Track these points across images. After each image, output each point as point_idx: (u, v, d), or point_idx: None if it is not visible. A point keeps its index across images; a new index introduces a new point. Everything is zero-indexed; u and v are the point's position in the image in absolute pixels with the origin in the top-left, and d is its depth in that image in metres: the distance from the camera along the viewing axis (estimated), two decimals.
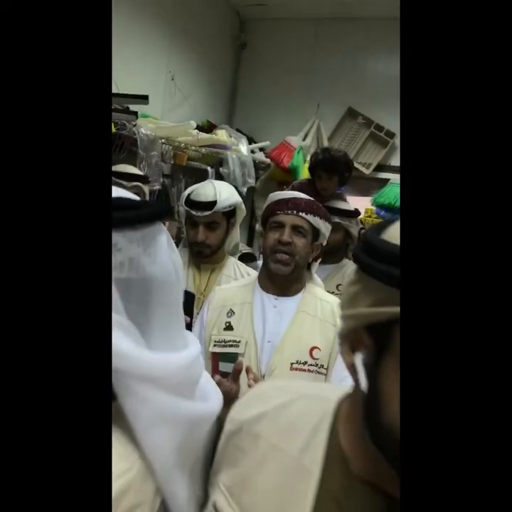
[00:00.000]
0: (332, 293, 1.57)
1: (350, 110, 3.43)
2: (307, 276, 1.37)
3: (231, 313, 1.29)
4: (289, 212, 1.27)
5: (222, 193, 1.57)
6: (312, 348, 1.22)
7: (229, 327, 1.27)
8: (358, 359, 0.43)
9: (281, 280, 1.28)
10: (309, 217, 1.27)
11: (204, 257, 1.62)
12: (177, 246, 2.26)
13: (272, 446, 0.51)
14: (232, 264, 1.70)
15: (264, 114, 3.64)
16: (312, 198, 1.33)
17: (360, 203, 3.51)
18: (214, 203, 1.54)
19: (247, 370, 1.02)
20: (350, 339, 0.45)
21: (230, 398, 1.01)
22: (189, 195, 1.59)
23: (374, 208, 3.31)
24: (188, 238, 1.64)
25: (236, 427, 0.55)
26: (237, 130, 3.26)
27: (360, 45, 3.43)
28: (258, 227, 3.59)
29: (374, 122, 3.36)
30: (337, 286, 1.91)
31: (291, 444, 0.50)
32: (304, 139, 3.34)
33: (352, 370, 0.45)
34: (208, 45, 3.33)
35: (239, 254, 2.00)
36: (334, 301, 1.33)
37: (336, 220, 1.86)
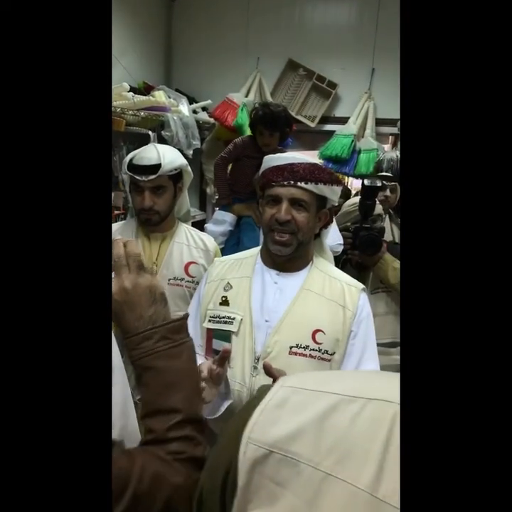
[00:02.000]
0: None
1: (290, 62, 3.35)
2: (316, 245, 1.23)
3: (228, 287, 1.18)
4: (286, 182, 1.09)
5: (166, 155, 1.51)
6: (315, 331, 1.08)
7: (225, 302, 1.16)
8: None
9: (283, 260, 1.15)
10: (310, 187, 1.09)
11: (153, 224, 1.57)
12: (124, 217, 2.18)
13: (324, 477, 0.39)
14: (184, 231, 1.67)
15: (203, 71, 3.50)
16: (313, 161, 1.13)
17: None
18: (158, 166, 1.48)
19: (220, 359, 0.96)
20: None
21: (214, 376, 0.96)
22: (131, 160, 1.52)
23: (322, 161, 3.33)
24: (135, 206, 1.57)
25: (262, 452, 0.42)
26: (177, 90, 3.13)
27: None
28: (209, 190, 3.55)
29: (315, 73, 3.31)
30: None
31: (352, 471, 0.38)
32: (246, 95, 3.26)
33: None
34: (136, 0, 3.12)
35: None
36: (345, 279, 1.17)
37: None
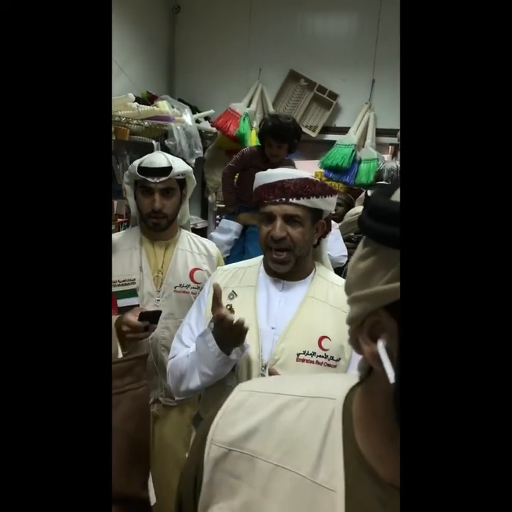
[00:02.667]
0: None
1: (292, 73, 3.40)
2: (316, 255, 1.24)
3: (233, 295, 1.19)
4: (278, 200, 1.10)
5: (175, 160, 1.59)
6: (321, 338, 1.10)
7: (230, 310, 1.15)
8: (381, 347, 0.37)
9: (284, 273, 1.17)
10: (303, 201, 1.09)
11: (160, 229, 1.59)
12: (127, 225, 2.20)
13: (273, 468, 0.44)
14: (186, 237, 1.69)
15: (205, 82, 3.54)
16: (304, 175, 1.12)
17: (308, 167, 3.56)
18: (169, 168, 1.54)
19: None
20: (368, 325, 0.38)
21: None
22: (140, 164, 1.56)
23: (322, 170, 3.36)
24: (143, 210, 1.59)
25: (222, 451, 0.47)
26: (180, 100, 3.16)
27: (298, 6, 3.37)
28: (211, 198, 3.57)
29: (316, 84, 3.35)
30: None
31: (296, 461, 0.43)
32: (248, 106, 3.30)
33: (374, 360, 0.38)
34: (140, 11, 3.17)
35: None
36: None
37: None
